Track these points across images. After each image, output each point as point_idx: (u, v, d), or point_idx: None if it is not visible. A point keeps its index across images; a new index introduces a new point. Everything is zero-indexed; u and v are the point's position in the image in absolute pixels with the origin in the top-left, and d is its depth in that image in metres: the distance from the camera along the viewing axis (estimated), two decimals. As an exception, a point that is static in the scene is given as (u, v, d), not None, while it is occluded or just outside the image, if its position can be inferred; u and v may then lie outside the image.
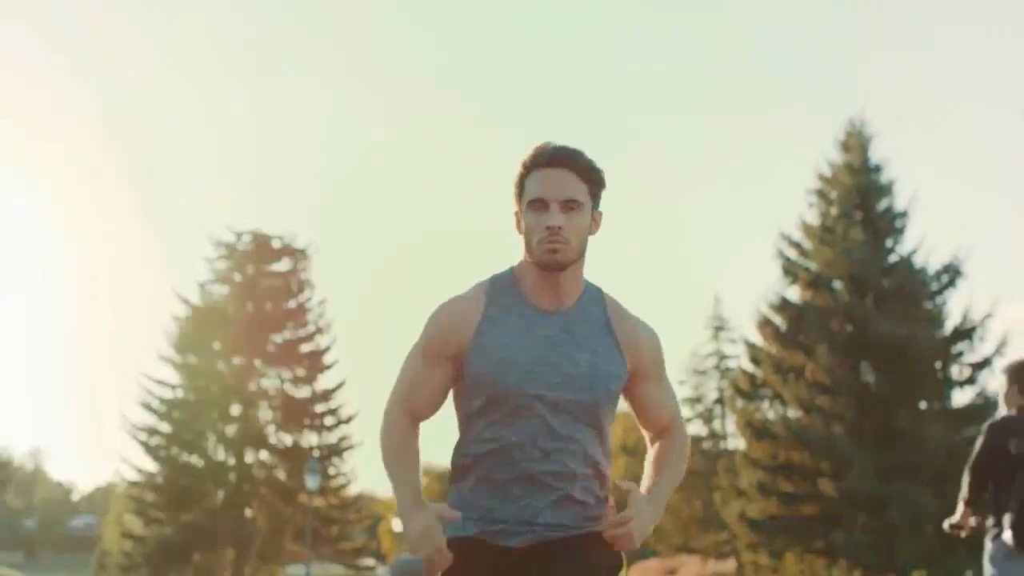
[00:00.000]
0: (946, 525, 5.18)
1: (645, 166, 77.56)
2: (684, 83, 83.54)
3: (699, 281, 76.74)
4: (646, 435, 2.61)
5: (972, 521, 5.04)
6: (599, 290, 2.49)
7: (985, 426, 5.09)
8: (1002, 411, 5.11)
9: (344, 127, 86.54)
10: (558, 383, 2.37)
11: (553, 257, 2.34)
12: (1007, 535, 4.81)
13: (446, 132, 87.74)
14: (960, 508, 5.08)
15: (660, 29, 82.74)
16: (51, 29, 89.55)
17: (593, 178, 2.40)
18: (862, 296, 23.00)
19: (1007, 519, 4.81)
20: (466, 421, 2.45)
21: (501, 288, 2.45)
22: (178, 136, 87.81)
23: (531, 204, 2.37)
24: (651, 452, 2.60)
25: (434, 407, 2.47)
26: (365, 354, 68.66)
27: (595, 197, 2.42)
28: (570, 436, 2.38)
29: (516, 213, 2.43)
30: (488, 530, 2.39)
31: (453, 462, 2.49)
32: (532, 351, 2.37)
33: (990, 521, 4.96)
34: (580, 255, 2.40)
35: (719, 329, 37.29)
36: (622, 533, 2.35)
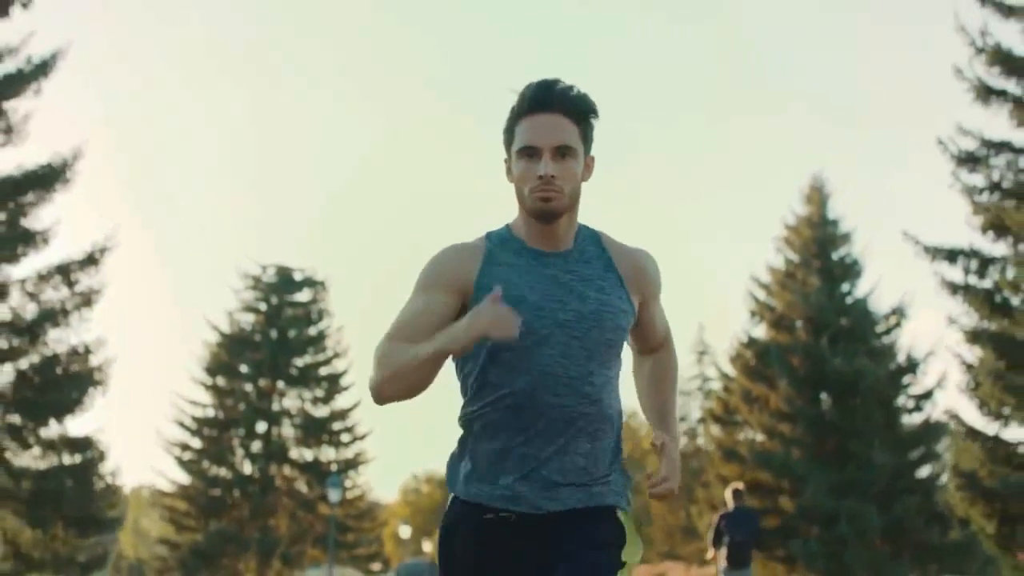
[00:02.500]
0: (707, 556, 10.61)
1: (644, 168, 78.78)
2: (683, 85, 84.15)
3: (697, 285, 78.05)
4: (633, 349, 2.56)
5: (718, 558, 11.21)
6: (594, 231, 2.37)
7: (716, 516, 10.33)
8: (730, 506, 11.15)
9: (344, 130, 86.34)
10: (568, 320, 2.22)
11: (546, 206, 2.21)
12: (723, 565, 11.01)
13: (447, 136, 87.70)
14: (711, 551, 11.27)
15: (660, 31, 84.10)
16: (51, 29, 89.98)
17: (586, 120, 2.26)
18: (819, 335, 24.56)
19: (723, 553, 11.14)
20: (473, 373, 2.29)
21: (499, 238, 2.33)
22: (178, 138, 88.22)
23: (521, 152, 2.23)
24: (645, 368, 2.56)
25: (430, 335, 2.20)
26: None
27: (587, 140, 2.27)
28: (583, 378, 2.24)
29: (505, 161, 2.30)
30: (494, 495, 2.25)
31: (462, 422, 2.33)
32: (539, 289, 2.24)
33: (721, 555, 11.21)
34: (574, 203, 2.27)
35: (702, 354, 40.21)
36: (665, 491, 2.33)
